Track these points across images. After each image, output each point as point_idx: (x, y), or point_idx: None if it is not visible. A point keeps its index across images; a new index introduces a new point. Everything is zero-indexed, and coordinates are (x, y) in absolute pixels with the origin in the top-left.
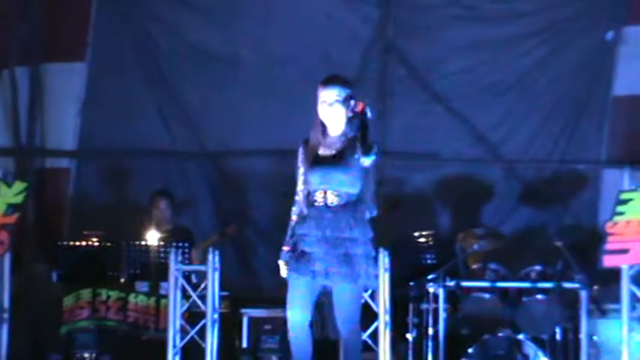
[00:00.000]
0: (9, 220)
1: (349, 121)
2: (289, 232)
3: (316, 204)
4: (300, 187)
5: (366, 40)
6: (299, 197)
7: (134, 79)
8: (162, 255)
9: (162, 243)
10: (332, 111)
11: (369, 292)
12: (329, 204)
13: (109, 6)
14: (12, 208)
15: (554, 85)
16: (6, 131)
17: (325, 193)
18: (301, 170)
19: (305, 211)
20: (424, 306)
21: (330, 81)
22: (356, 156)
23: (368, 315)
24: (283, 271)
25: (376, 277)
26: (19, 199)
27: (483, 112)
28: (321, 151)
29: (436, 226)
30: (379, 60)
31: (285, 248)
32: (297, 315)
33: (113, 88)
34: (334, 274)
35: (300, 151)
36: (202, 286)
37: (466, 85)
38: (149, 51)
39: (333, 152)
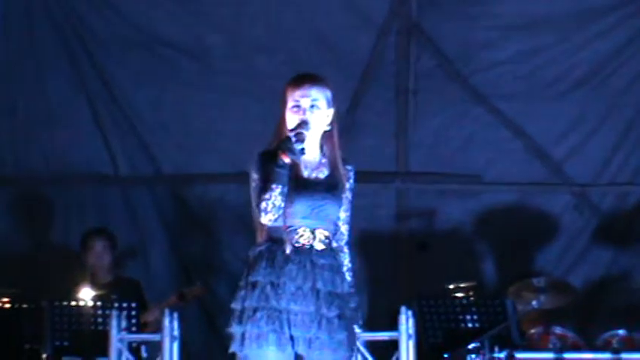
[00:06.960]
0: None
1: (324, 135)
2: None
3: (298, 245)
4: (267, 218)
5: (379, 19)
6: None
7: (58, 77)
8: (99, 319)
9: (99, 303)
10: (312, 117)
11: None
12: (317, 247)
13: None
14: None
15: (639, 81)
16: None
17: (314, 232)
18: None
19: (286, 250)
20: None
21: (304, 79)
22: (347, 186)
23: None
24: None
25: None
26: None
27: (542, 116)
28: (307, 173)
29: (479, 275)
30: (398, 46)
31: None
32: None
33: (28, 90)
34: (323, 343)
35: (257, 165)
36: None
37: (518, 80)
38: (79, 39)
39: (322, 176)
